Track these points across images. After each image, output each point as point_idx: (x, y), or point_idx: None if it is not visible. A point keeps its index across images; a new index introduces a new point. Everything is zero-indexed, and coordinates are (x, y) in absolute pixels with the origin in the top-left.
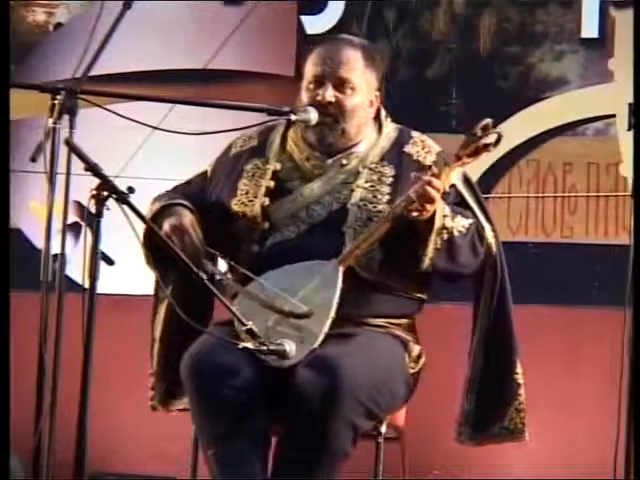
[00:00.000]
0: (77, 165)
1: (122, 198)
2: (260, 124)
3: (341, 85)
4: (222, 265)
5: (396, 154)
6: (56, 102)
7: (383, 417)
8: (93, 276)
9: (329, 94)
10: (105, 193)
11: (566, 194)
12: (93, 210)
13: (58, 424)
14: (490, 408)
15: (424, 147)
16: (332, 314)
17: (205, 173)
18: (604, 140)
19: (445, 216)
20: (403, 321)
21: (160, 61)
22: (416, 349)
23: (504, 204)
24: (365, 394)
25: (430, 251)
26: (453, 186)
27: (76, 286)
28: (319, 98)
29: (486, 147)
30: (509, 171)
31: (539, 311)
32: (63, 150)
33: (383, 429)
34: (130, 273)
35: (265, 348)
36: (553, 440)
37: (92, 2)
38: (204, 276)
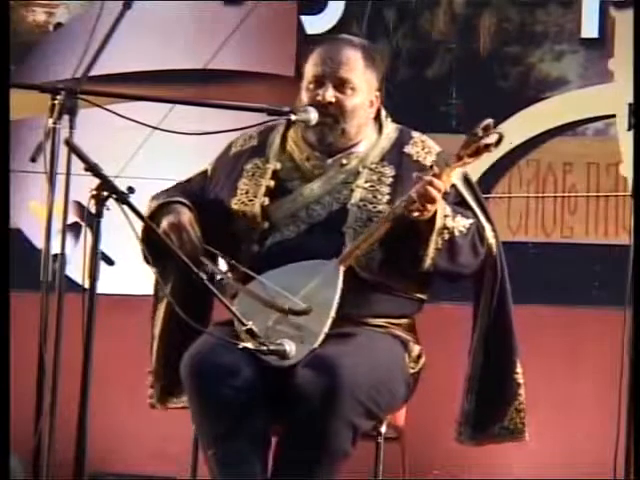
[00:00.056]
0: (77, 165)
1: (122, 198)
2: (260, 124)
3: (341, 85)
4: (222, 264)
5: (396, 154)
6: (56, 102)
7: (383, 417)
8: (93, 276)
9: (329, 94)
10: (105, 193)
11: (566, 194)
12: (93, 210)
13: (58, 424)
14: (490, 408)
15: (424, 147)
16: (332, 314)
17: (205, 172)
18: (604, 140)
19: (446, 216)
20: (403, 321)
21: (160, 61)
22: (416, 349)
23: (504, 204)
24: (365, 394)
25: (431, 251)
26: (453, 186)
27: (76, 286)
28: (319, 98)
29: (487, 147)
30: (509, 171)
31: (539, 311)
32: (63, 150)
33: (383, 429)
34: (130, 273)
35: (265, 348)
36: (553, 440)
37: (92, 2)
38: (204, 276)
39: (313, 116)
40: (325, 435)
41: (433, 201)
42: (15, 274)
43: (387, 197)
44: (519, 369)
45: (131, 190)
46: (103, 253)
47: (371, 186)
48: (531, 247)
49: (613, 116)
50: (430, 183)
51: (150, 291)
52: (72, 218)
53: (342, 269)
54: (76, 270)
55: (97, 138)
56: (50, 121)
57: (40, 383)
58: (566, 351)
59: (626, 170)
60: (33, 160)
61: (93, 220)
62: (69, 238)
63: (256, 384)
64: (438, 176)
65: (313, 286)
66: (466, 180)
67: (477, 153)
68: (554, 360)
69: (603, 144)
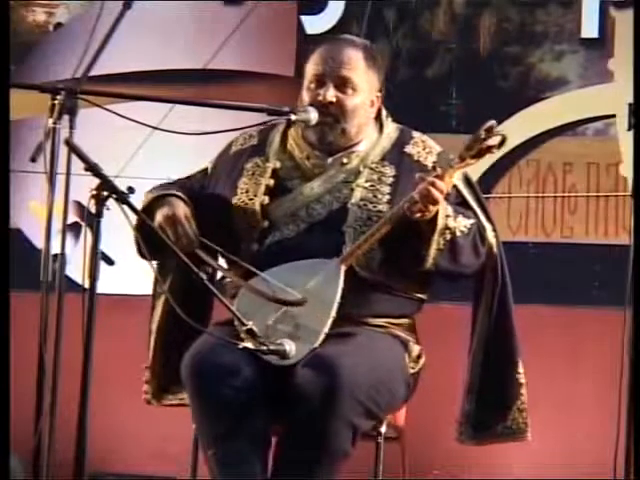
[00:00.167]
0: (77, 165)
1: (122, 198)
2: (260, 124)
3: (342, 85)
4: (222, 263)
5: (397, 154)
6: (56, 102)
7: (383, 417)
8: (93, 276)
9: (330, 94)
10: (105, 193)
11: (566, 194)
12: (93, 210)
13: (58, 424)
14: (492, 408)
15: (425, 147)
16: (333, 313)
17: (206, 170)
18: (604, 140)
19: (448, 216)
20: (403, 321)
21: (160, 61)
22: (416, 349)
23: (504, 204)
24: (364, 394)
25: (432, 251)
26: (454, 186)
27: (76, 286)
28: (320, 98)
29: (490, 149)
30: (509, 171)
31: (539, 311)
32: (63, 150)
33: (383, 429)
34: (130, 273)
35: (265, 348)
36: (553, 440)
37: (92, 2)
38: (204, 276)
39: (313, 116)
40: (325, 435)
41: (435, 202)
42: (15, 274)
43: (387, 197)
44: (521, 369)
45: (131, 190)
46: (103, 253)
47: (371, 185)
48: (531, 247)
49: (613, 116)
50: (433, 184)
51: (150, 291)
52: (72, 218)
53: (343, 269)
54: (76, 270)
55: (97, 138)
56: (50, 121)
57: (40, 383)
58: (566, 351)
59: (626, 170)
60: (33, 160)
61: (93, 220)
62: (69, 238)
63: (256, 384)
64: (441, 177)
65: (313, 285)
66: (467, 180)
67: (480, 154)
68: (554, 360)
69: (603, 144)
